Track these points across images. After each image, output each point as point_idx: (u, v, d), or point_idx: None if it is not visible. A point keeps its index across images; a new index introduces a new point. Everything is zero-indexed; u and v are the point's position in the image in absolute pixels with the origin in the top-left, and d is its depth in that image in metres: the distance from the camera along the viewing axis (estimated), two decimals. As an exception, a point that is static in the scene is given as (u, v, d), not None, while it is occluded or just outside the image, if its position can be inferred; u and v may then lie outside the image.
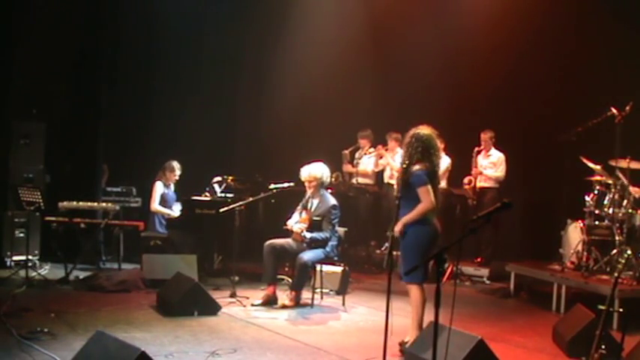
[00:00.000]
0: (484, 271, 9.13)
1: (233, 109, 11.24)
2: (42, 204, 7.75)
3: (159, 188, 8.80)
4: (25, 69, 9.18)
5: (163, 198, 8.83)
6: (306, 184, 7.36)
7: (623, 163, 7.41)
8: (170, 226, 8.70)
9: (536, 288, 8.24)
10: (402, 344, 5.57)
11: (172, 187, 8.97)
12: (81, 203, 8.70)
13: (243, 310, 6.91)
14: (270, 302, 7.13)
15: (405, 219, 5.55)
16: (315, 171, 7.32)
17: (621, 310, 5.69)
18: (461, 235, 3.93)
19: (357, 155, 10.33)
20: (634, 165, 7.44)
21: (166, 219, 8.78)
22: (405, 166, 5.54)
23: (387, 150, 9.92)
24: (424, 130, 5.66)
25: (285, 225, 7.44)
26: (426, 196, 5.50)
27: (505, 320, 7.18)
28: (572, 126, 8.03)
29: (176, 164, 8.90)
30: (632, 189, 7.40)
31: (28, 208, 7.87)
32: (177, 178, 8.95)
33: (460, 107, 10.24)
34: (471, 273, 9.14)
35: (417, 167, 5.56)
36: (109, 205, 8.97)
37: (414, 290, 5.60)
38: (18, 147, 8.98)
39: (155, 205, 8.77)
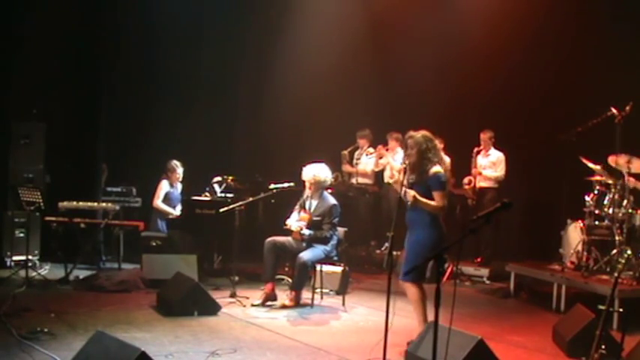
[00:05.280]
0: (484, 271, 9.12)
1: (233, 109, 11.22)
2: (42, 204, 7.74)
3: (164, 186, 8.89)
4: (25, 69, 9.17)
5: (167, 197, 8.89)
6: (307, 184, 7.37)
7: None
8: (170, 226, 8.70)
9: (536, 288, 8.23)
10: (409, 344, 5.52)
11: (179, 187, 9.00)
12: (81, 203, 8.69)
13: (243, 310, 6.91)
14: (268, 299, 7.14)
15: (420, 200, 5.48)
16: (319, 173, 7.31)
17: (621, 310, 5.70)
18: (461, 236, 3.94)
19: (356, 155, 10.34)
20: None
21: (167, 219, 8.78)
22: (421, 168, 5.52)
23: (387, 150, 9.92)
24: (423, 132, 5.67)
25: (285, 224, 7.44)
26: (442, 200, 5.53)
27: (505, 320, 7.18)
28: (572, 126, 8.03)
29: (176, 163, 8.93)
30: (632, 180, 7.40)
31: (28, 208, 7.86)
32: (179, 177, 8.96)
33: (460, 107, 10.22)
34: (471, 273, 9.14)
35: (437, 169, 5.57)
36: (109, 205, 8.97)
37: (411, 289, 5.61)
38: (18, 147, 8.98)
39: (157, 201, 8.83)
